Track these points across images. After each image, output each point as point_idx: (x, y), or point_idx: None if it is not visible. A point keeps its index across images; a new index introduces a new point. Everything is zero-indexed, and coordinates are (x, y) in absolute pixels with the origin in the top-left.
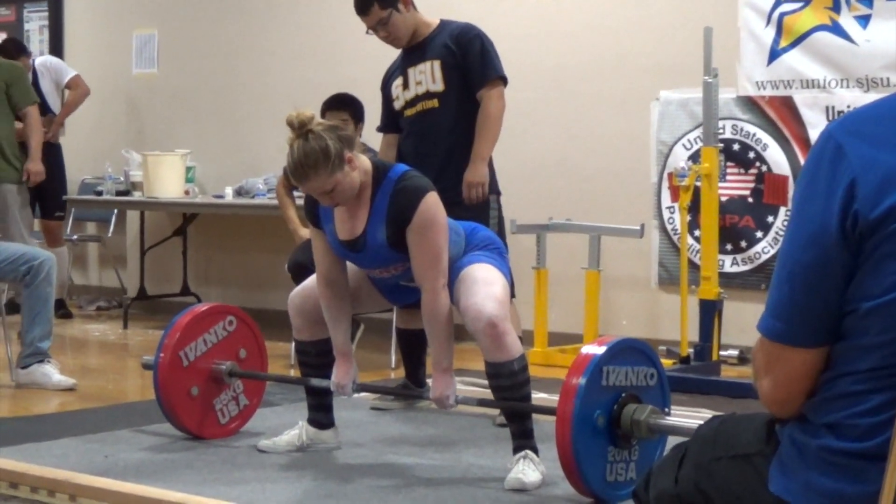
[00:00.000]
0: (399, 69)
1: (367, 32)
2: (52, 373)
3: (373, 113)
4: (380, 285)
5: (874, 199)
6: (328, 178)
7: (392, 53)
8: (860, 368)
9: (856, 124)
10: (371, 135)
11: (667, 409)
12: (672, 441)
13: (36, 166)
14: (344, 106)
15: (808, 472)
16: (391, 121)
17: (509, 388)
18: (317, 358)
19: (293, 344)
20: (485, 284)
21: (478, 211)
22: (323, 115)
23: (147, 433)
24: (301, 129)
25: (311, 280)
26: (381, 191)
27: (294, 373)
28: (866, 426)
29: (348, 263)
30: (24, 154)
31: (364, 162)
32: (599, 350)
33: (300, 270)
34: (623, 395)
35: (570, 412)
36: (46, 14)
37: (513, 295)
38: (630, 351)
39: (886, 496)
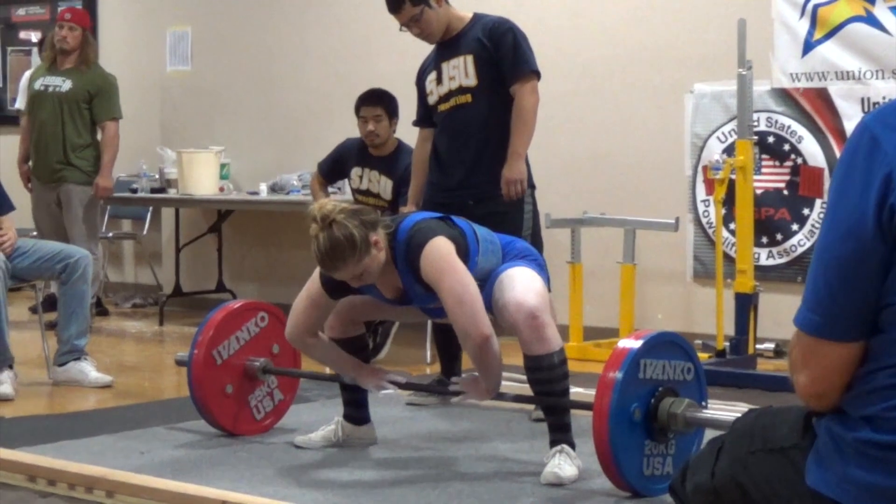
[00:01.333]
0: (433, 64)
1: (400, 29)
2: (88, 370)
3: (406, 108)
4: (424, 309)
5: None
6: (356, 265)
7: (425, 48)
8: None
9: (891, 116)
10: (405, 130)
11: (704, 404)
12: (709, 435)
13: (104, 182)
14: (378, 101)
15: (846, 465)
16: (427, 115)
17: (548, 381)
18: (351, 355)
19: None
20: (524, 280)
21: (512, 205)
22: (357, 110)
23: (183, 430)
24: (324, 221)
25: None
26: (398, 256)
27: (329, 369)
28: None
29: None
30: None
31: (382, 237)
32: (637, 343)
33: None
34: (660, 389)
35: (607, 404)
36: None
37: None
38: (667, 345)
39: None
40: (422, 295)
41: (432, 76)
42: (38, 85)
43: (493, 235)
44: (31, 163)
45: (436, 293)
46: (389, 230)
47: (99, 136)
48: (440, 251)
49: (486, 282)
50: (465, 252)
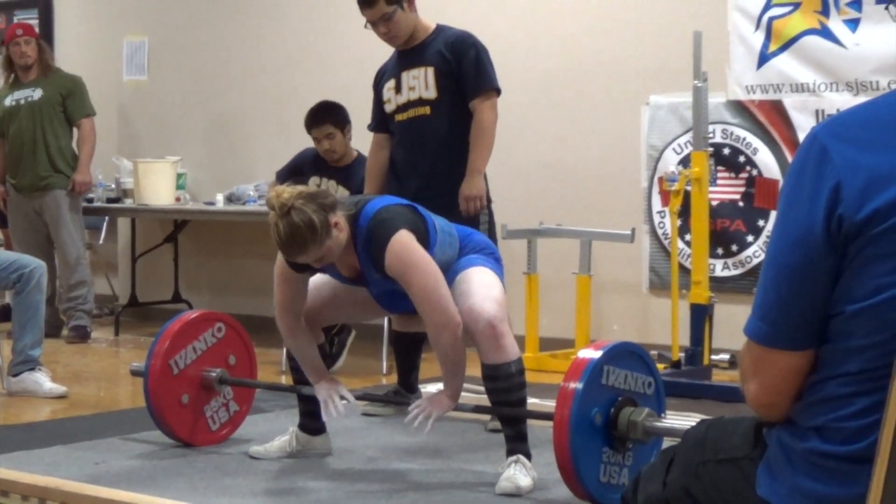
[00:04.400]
0: (392, 71)
1: (364, 26)
2: (43, 380)
3: (363, 117)
4: (378, 295)
5: (859, 202)
6: (318, 249)
7: (382, 57)
8: (846, 371)
9: (840, 127)
10: (364, 137)
11: (662, 416)
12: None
13: (82, 177)
14: (325, 118)
15: (796, 476)
16: (382, 121)
17: (506, 390)
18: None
19: (284, 350)
20: (482, 286)
21: (469, 218)
22: (308, 132)
23: (138, 441)
24: (282, 209)
25: None
26: (359, 239)
27: (286, 379)
28: (853, 429)
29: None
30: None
31: (342, 218)
32: (604, 347)
33: None
34: (620, 398)
35: (569, 406)
36: (37, 21)
37: None
38: (631, 356)
39: (873, 499)
40: (377, 280)
41: (391, 84)
42: (8, 102)
43: (451, 227)
44: (8, 179)
45: (391, 280)
46: (351, 212)
47: (75, 137)
48: (404, 245)
49: (445, 276)
50: (425, 243)
